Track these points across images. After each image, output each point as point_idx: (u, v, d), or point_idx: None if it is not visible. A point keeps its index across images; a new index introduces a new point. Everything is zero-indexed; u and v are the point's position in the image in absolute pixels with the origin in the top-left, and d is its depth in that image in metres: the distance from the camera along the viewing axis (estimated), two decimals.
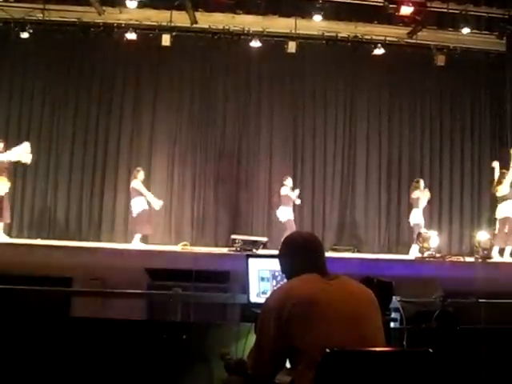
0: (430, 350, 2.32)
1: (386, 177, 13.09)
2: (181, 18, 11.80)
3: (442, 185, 13.09)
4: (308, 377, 2.31)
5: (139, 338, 4.13)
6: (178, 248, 10.96)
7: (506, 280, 7.48)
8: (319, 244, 2.77)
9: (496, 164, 11.13)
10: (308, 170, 13.02)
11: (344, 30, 12.32)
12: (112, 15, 11.96)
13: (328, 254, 2.87)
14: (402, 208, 12.73)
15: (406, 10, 10.83)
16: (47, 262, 7.09)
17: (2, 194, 10.13)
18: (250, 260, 3.59)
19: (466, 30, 11.50)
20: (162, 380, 4.04)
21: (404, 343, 3.69)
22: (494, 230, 10.98)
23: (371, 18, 11.95)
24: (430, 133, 13.26)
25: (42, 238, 11.53)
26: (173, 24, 11.84)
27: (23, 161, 10.32)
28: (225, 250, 10.73)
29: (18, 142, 10.62)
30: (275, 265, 3.17)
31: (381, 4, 11.14)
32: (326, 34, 12.33)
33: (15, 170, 11.21)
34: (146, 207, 10.99)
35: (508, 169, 10.69)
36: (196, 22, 11.98)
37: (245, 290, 3.59)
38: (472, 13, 11.36)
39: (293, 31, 12.02)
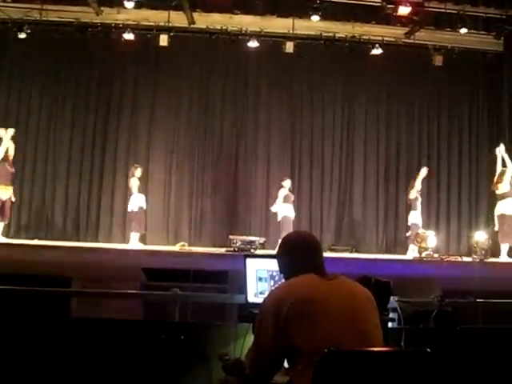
0: (428, 350, 2.32)
1: (384, 176, 13.11)
2: (178, 19, 11.82)
3: (439, 185, 13.12)
4: (307, 376, 2.30)
5: (137, 338, 4.12)
6: (176, 248, 10.98)
7: (504, 279, 7.49)
8: (317, 244, 2.76)
9: (501, 147, 11.01)
10: (306, 169, 13.04)
11: (342, 30, 12.34)
12: (110, 15, 11.97)
13: (326, 254, 2.87)
14: (400, 208, 12.75)
15: (404, 10, 10.85)
16: (46, 262, 7.08)
17: (7, 197, 10.42)
18: (248, 260, 3.59)
19: (463, 30, 11.55)
20: (159, 380, 4.04)
21: (402, 343, 3.69)
22: (493, 227, 11.00)
23: (369, 18, 11.98)
24: (427, 133, 13.28)
25: (40, 239, 11.53)
26: (170, 24, 11.86)
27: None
28: (222, 251, 10.75)
29: (17, 142, 10.64)
30: (273, 265, 3.16)
31: (378, 4, 11.16)
32: (324, 34, 12.34)
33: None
34: (143, 206, 11.04)
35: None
36: (194, 23, 12.00)
37: (242, 290, 3.59)
38: (469, 13, 11.40)
39: (290, 31, 12.03)
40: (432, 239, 11.16)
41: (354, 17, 11.95)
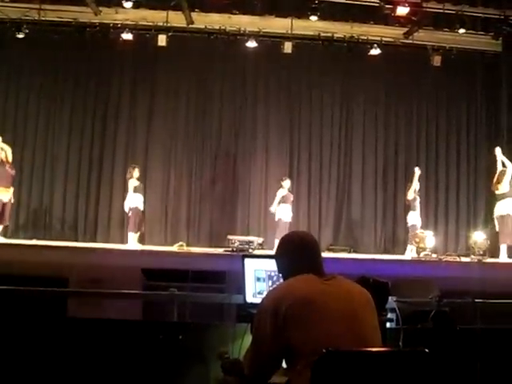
0: (426, 350, 2.32)
1: (382, 176, 13.10)
2: (177, 19, 11.81)
3: (438, 185, 13.12)
4: (305, 377, 2.30)
5: (135, 338, 4.13)
6: (174, 248, 10.97)
7: (503, 280, 7.49)
8: (316, 244, 2.76)
9: (498, 150, 11.02)
10: (304, 169, 13.03)
11: (340, 30, 12.34)
12: (108, 15, 11.97)
13: (324, 255, 2.88)
14: (399, 208, 12.75)
15: (402, 11, 10.85)
16: (43, 262, 7.07)
17: (8, 199, 10.41)
18: (246, 260, 3.59)
19: (461, 31, 11.55)
20: (158, 380, 4.04)
21: (400, 343, 3.69)
22: (492, 228, 10.99)
23: (367, 19, 11.99)
24: (426, 132, 13.28)
25: (38, 239, 11.51)
26: (169, 24, 11.85)
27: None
28: (221, 251, 10.73)
29: (15, 143, 10.62)
30: (271, 265, 3.17)
31: (377, 4, 11.16)
32: (322, 34, 12.34)
33: None
34: (138, 206, 11.03)
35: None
36: (192, 23, 11.99)
37: (241, 290, 3.59)
38: (468, 13, 11.40)
39: (289, 31, 12.03)
40: (430, 239, 11.15)
41: (352, 17, 11.95)
